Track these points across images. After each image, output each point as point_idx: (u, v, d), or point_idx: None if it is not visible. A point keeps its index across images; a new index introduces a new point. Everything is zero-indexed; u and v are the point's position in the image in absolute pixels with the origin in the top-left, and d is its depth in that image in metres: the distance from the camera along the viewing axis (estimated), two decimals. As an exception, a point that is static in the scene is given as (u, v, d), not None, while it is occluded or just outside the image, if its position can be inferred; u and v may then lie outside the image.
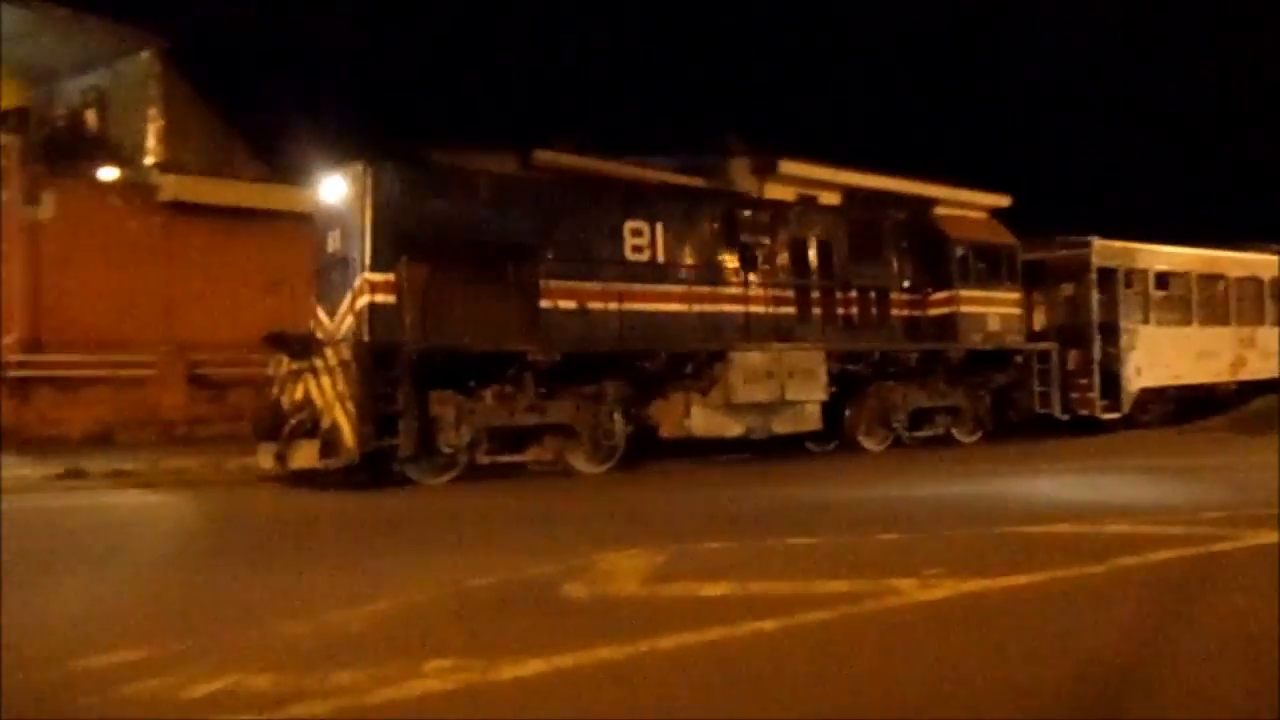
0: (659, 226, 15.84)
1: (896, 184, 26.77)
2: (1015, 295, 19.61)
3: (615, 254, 15.43)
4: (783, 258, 17.11)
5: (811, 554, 7.87)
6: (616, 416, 14.94)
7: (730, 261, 16.50)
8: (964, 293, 18.84)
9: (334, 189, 13.97)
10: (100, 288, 17.65)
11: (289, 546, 9.28)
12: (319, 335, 13.82)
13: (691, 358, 15.63)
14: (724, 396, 15.71)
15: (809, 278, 17.32)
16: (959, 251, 18.83)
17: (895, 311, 18.21)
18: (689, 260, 16.12)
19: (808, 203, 18.70)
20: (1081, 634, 5.47)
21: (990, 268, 19.07)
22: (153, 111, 19.32)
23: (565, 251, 14.96)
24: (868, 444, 17.60)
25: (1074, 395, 20.81)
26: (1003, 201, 29.80)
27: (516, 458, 14.45)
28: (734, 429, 16.08)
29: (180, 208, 17.98)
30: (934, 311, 18.76)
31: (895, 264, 18.51)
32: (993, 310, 19.17)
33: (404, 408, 13.11)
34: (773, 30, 36.03)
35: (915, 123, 36.51)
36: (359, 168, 13.78)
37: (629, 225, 15.66)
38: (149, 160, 19.14)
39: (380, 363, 13.05)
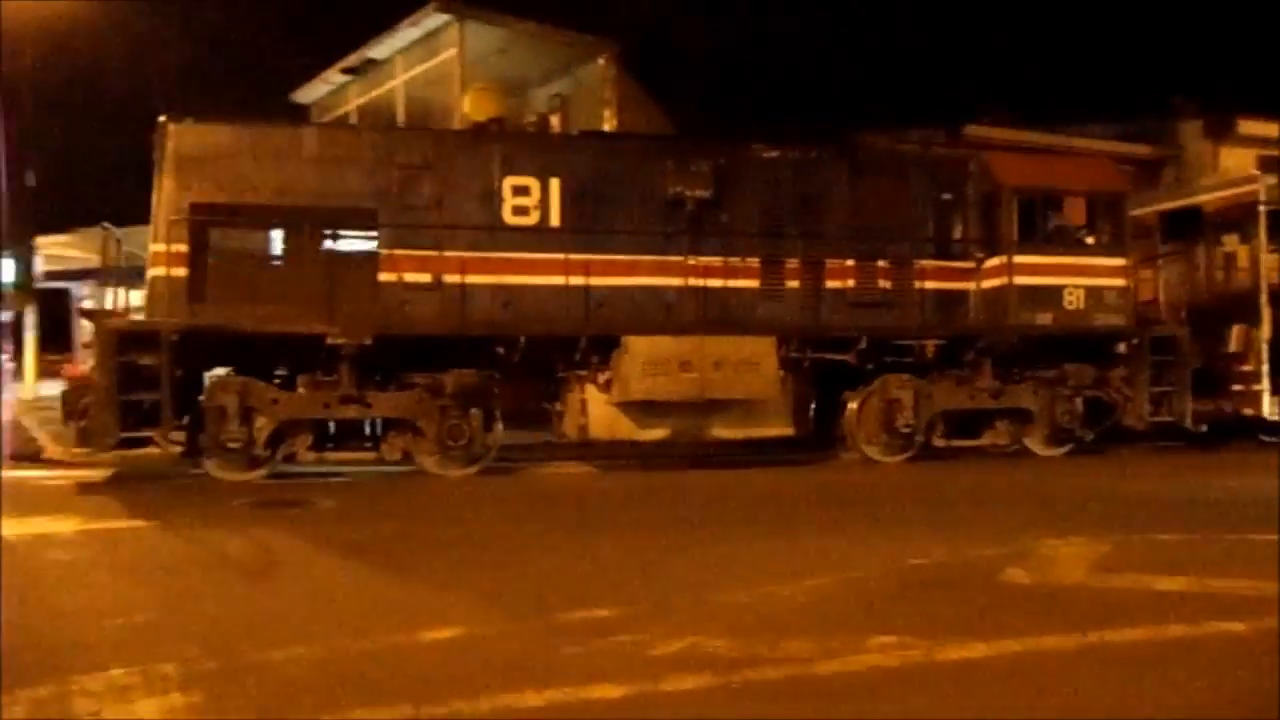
0: (554, 183, 13.42)
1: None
2: (1114, 261, 15.06)
3: (489, 218, 13.26)
4: (741, 217, 13.91)
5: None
6: (474, 412, 12.94)
7: (660, 225, 13.62)
8: (1021, 259, 14.62)
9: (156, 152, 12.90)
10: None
11: (716, 519, 9.83)
12: None
13: (569, 343, 13.33)
14: (621, 391, 13.25)
15: (780, 242, 14.02)
16: (1016, 203, 14.61)
17: (923, 284, 14.51)
18: (600, 224, 13.48)
19: (787, 147, 14.63)
20: None
21: (1073, 224, 14.92)
22: (607, 113, 20.58)
23: (416, 216, 12.96)
24: (872, 453, 14.33)
25: (1235, 388, 15.91)
26: None
27: (346, 455, 12.98)
28: (647, 431, 13.52)
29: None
30: (989, 283, 14.76)
31: (925, 222, 14.75)
32: (1074, 281, 14.80)
33: (165, 395, 11.71)
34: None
35: None
36: (160, 123, 12.66)
37: (509, 183, 13.34)
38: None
39: (139, 345, 11.77)
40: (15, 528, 9.13)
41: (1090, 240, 14.98)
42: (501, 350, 13.11)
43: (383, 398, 12.72)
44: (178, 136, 12.53)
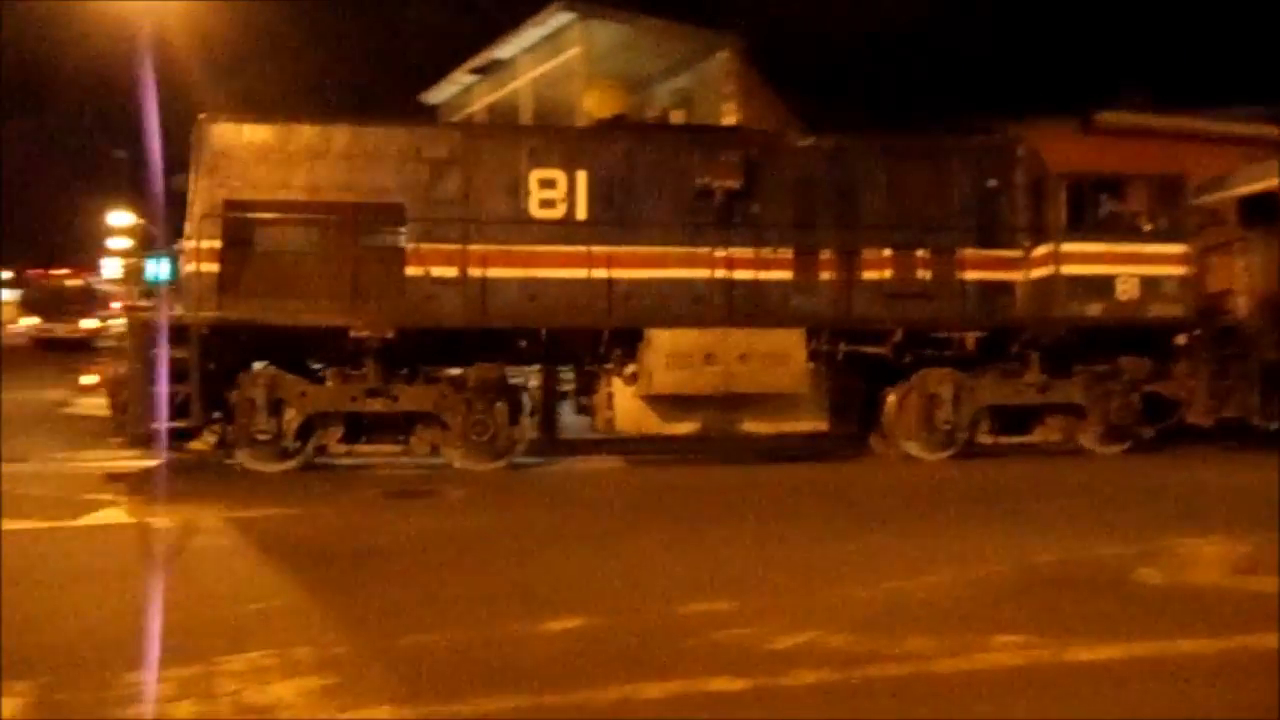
0: (581, 176, 13.35)
1: None
2: (1173, 248, 14.13)
3: (516, 211, 13.32)
4: (773, 208, 13.66)
5: None
6: (498, 406, 13.03)
7: (688, 217, 13.46)
8: (1069, 247, 13.91)
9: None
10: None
11: (827, 514, 9.90)
12: None
13: (591, 336, 13.31)
14: (645, 385, 13.20)
15: (814, 233, 13.71)
16: (1065, 189, 13.95)
17: (964, 274, 13.99)
18: (627, 217, 13.39)
19: (823, 134, 14.13)
20: None
21: (1128, 211, 14.17)
22: (729, 106, 20.55)
23: (444, 210, 13.13)
24: (911, 449, 13.93)
25: None
26: None
27: (377, 448, 13.00)
28: (674, 425, 13.37)
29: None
30: (1037, 273, 14.15)
31: (968, 210, 14.15)
32: (1127, 270, 13.96)
33: (194, 387, 12.14)
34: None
35: None
36: (198, 122, 12.98)
37: (536, 176, 13.33)
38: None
39: (170, 338, 12.13)
40: (164, 515, 9.54)
41: (1148, 227, 14.21)
42: (524, 344, 13.25)
43: (408, 391, 12.95)
44: (214, 135, 12.94)
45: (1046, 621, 5.61)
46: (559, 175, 13.31)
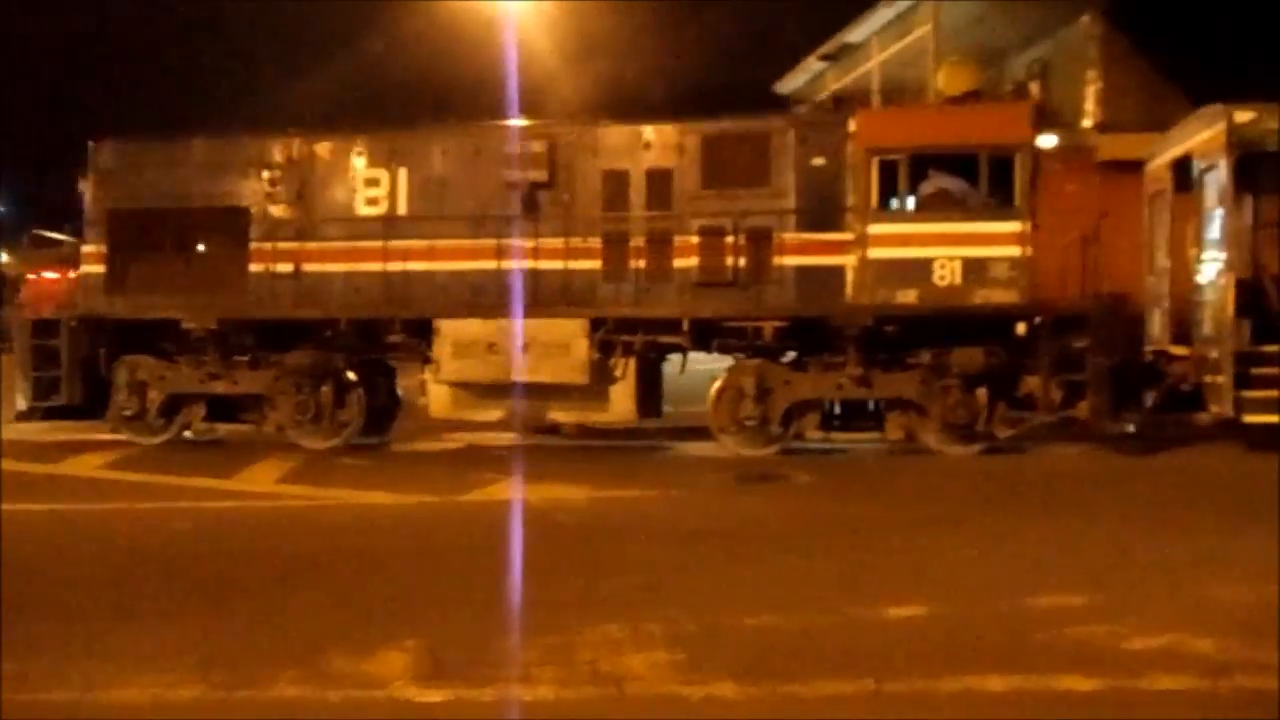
0: (402, 173, 14.29)
1: None
2: (1004, 226, 12.71)
3: (343, 210, 14.58)
4: (583, 197, 13.93)
5: None
6: (323, 389, 14.25)
7: (496, 209, 14.06)
8: (875, 229, 12.99)
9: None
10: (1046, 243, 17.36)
11: (1188, 506, 8.65)
12: None
13: (385, 327, 14.39)
14: (438, 372, 14.11)
15: (625, 221, 13.79)
16: (877, 165, 12.97)
17: (783, 259, 13.29)
18: (442, 211, 14.20)
19: (636, 122, 13.95)
20: None
21: (959, 186, 12.85)
22: (1091, 74, 19.43)
23: (281, 212, 14.59)
24: (728, 443, 13.46)
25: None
26: None
27: (232, 426, 14.79)
28: (481, 412, 14.03)
29: (1117, 165, 17.49)
30: (859, 257, 13.42)
31: (791, 192, 13.40)
32: (947, 252, 12.66)
33: (64, 371, 14.40)
34: None
35: None
36: (89, 145, 15.14)
37: (363, 175, 14.40)
38: (1086, 122, 19.01)
39: (49, 331, 14.58)
40: (535, 491, 10.26)
41: (977, 203, 12.89)
42: (328, 334, 14.37)
43: (246, 375, 14.58)
44: (101, 153, 15.19)
45: None
46: (382, 174, 14.27)
